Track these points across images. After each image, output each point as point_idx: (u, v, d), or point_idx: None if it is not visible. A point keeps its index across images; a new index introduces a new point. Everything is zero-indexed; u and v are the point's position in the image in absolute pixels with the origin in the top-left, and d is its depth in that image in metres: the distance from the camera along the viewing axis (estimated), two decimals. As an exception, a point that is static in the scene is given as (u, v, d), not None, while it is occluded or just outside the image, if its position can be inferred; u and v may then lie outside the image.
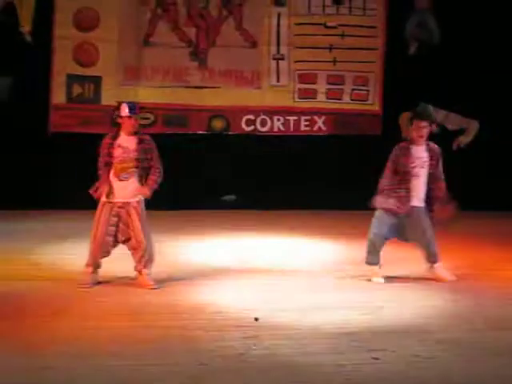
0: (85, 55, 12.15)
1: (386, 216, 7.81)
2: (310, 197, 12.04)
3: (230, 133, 12.57)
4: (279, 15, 12.49)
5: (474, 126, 12.56)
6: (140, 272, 7.53)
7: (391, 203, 7.75)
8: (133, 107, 7.50)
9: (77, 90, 12.14)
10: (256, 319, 6.47)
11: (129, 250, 7.55)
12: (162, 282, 7.59)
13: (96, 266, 7.53)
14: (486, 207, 11.85)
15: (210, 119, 12.50)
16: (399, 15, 12.43)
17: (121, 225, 7.47)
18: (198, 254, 9.03)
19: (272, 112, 12.61)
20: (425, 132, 7.84)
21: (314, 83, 12.64)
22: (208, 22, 12.42)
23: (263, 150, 12.42)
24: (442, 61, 12.30)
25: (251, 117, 12.56)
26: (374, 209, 7.90)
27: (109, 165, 7.45)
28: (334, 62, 12.59)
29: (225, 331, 6.24)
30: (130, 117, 7.44)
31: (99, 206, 7.48)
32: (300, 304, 7.03)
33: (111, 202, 7.43)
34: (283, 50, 12.53)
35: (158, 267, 7.62)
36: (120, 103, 7.66)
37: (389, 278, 7.90)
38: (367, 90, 12.72)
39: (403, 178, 7.79)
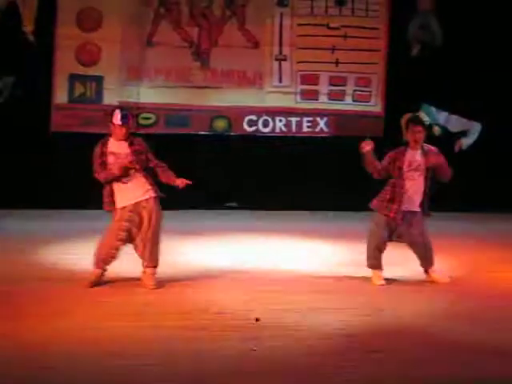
0: (87, 55, 12.16)
1: (385, 219, 7.80)
2: (312, 198, 12.05)
3: (231, 133, 12.57)
4: (282, 16, 12.49)
5: (476, 128, 12.54)
6: (144, 271, 7.52)
7: (384, 207, 7.77)
8: (125, 116, 7.41)
9: (79, 89, 12.15)
10: (257, 320, 6.46)
11: (137, 248, 7.52)
12: (163, 282, 7.58)
13: (102, 267, 7.51)
14: (485, 208, 11.86)
15: (212, 119, 12.50)
16: (402, 17, 12.43)
17: (134, 229, 7.44)
18: (199, 255, 9.03)
19: (274, 113, 12.61)
20: (419, 137, 7.82)
21: (316, 84, 12.64)
22: (211, 22, 12.42)
23: (265, 150, 12.42)
24: (445, 62, 12.29)
25: (253, 117, 12.56)
26: (373, 210, 7.91)
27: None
28: (337, 63, 12.59)
29: (226, 332, 6.24)
30: (121, 125, 7.42)
31: (113, 214, 7.47)
32: (300, 305, 7.03)
33: (123, 208, 7.41)
34: (285, 50, 12.54)
35: (159, 267, 7.61)
36: (114, 109, 7.62)
37: (389, 280, 7.90)
38: (369, 92, 12.72)
39: (397, 181, 7.78)
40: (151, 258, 7.51)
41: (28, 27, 11.77)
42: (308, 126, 12.67)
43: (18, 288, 7.33)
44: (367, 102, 12.72)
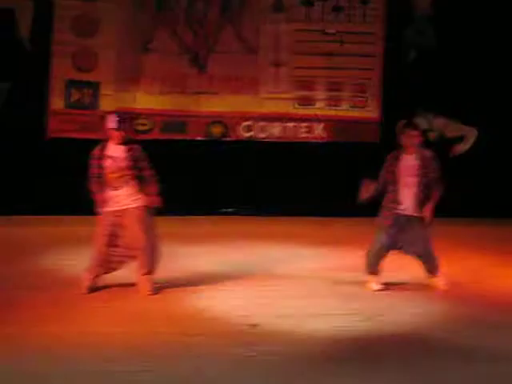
0: (84, 61, 12.14)
1: (384, 225, 7.80)
2: (308, 203, 12.04)
3: (228, 139, 12.57)
4: (278, 22, 12.50)
5: (472, 134, 12.57)
6: (141, 277, 7.52)
7: (383, 213, 7.77)
8: (120, 120, 7.45)
9: (75, 95, 12.15)
10: (254, 325, 6.46)
11: (131, 255, 7.53)
12: (160, 288, 7.58)
13: (96, 274, 7.51)
14: (484, 214, 11.86)
15: (209, 125, 12.50)
16: (398, 22, 12.45)
17: (119, 234, 7.45)
18: (196, 261, 9.03)
19: (271, 118, 12.61)
20: (415, 141, 7.81)
21: (312, 90, 12.64)
22: (207, 29, 12.43)
23: (261, 156, 12.41)
24: (441, 68, 12.31)
25: (250, 123, 12.57)
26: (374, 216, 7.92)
27: (101, 176, 7.45)
28: (333, 68, 12.59)
29: (223, 337, 6.24)
30: (116, 129, 7.42)
31: (100, 218, 7.49)
32: (298, 310, 7.03)
33: (108, 212, 7.43)
34: (282, 56, 12.54)
35: (157, 273, 7.61)
36: (108, 114, 7.62)
37: (388, 285, 7.89)
38: (366, 97, 12.71)
39: (393, 186, 7.78)
40: (147, 265, 7.50)
41: (24, 34, 11.77)
42: (304, 132, 12.68)
43: (15, 293, 7.32)
44: (364, 107, 12.72)
